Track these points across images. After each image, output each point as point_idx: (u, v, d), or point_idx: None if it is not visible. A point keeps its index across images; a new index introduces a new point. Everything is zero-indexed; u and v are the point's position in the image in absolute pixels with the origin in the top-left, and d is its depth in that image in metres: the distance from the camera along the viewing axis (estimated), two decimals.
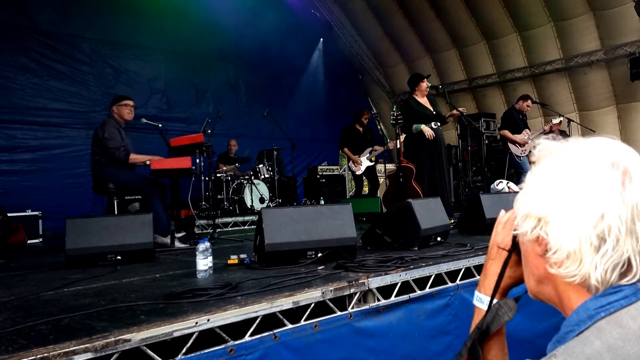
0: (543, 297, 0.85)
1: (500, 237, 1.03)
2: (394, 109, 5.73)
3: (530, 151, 7.45)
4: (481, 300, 1.05)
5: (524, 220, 0.80)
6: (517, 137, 7.37)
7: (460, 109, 6.05)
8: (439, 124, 5.93)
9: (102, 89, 8.28)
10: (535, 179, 0.80)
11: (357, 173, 7.70)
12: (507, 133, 7.43)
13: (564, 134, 8.19)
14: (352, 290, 2.34)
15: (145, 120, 5.11)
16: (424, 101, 5.99)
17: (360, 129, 7.88)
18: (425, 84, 5.97)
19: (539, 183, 0.79)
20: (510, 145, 7.41)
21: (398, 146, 5.64)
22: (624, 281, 0.73)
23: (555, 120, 7.75)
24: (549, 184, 0.77)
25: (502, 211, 1.07)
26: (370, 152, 7.63)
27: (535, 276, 0.84)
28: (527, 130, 7.54)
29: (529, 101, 7.63)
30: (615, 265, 0.72)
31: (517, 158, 7.39)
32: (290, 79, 10.67)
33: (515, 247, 0.96)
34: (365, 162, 7.62)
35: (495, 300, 1.01)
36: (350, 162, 7.77)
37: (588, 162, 0.75)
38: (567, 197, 0.74)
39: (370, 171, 7.77)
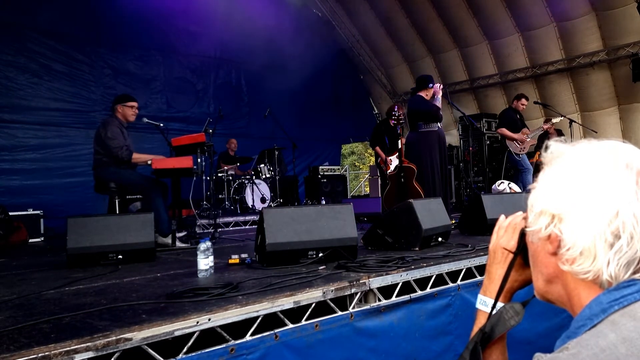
0: (551, 296, 0.85)
1: (504, 239, 1.03)
2: (395, 109, 5.73)
3: (528, 149, 7.49)
4: (485, 304, 1.05)
5: (537, 217, 0.81)
6: (516, 135, 7.39)
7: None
8: (441, 125, 5.98)
9: (101, 89, 8.30)
10: (550, 178, 0.81)
11: (388, 172, 7.48)
12: (505, 131, 7.44)
13: (560, 134, 8.21)
14: (353, 290, 2.35)
15: (146, 120, 5.10)
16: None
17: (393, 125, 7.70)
18: (431, 91, 6.01)
19: (554, 181, 0.80)
20: (508, 142, 7.43)
21: (400, 146, 5.63)
22: (638, 276, 0.73)
23: (555, 120, 7.75)
24: (564, 182, 0.78)
25: (502, 216, 1.07)
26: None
27: (545, 275, 0.84)
28: (525, 129, 7.56)
29: (524, 99, 7.65)
30: (629, 261, 0.73)
31: (516, 156, 7.41)
32: (292, 79, 10.67)
33: (521, 249, 0.96)
34: (395, 161, 7.37)
35: (501, 304, 1.01)
36: (380, 160, 7.49)
37: (603, 161, 0.76)
38: (582, 195, 0.75)
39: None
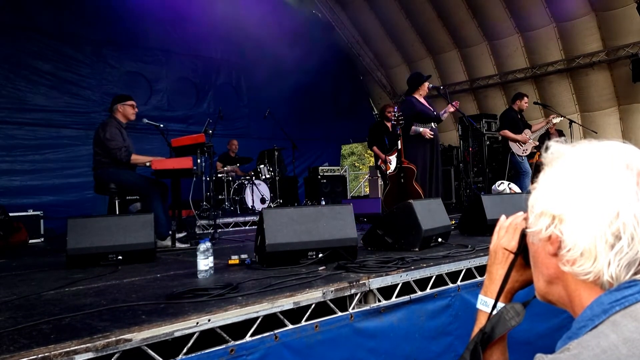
0: (552, 297, 0.85)
1: (505, 240, 1.03)
2: (395, 110, 5.72)
3: (530, 151, 7.46)
4: (486, 304, 1.05)
5: (538, 218, 0.81)
6: (519, 136, 7.36)
7: (454, 103, 5.94)
8: (436, 124, 5.96)
9: (102, 90, 8.30)
10: (550, 179, 0.81)
11: (388, 172, 7.44)
12: (508, 133, 7.41)
13: (561, 134, 8.19)
14: (353, 291, 2.34)
15: (146, 120, 5.10)
16: (424, 101, 6.00)
17: (389, 125, 7.69)
18: (427, 85, 5.96)
19: (554, 182, 0.80)
20: (511, 144, 7.39)
21: (399, 147, 5.62)
22: (639, 277, 0.73)
23: (555, 120, 7.73)
24: (564, 183, 0.78)
25: (503, 216, 1.07)
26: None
27: (545, 276, 0.84)
28: (527, 129, 7.53)
29: (526, 98, 7.60)
30: (630, 262, 0.73)
31: (519, 157, 7.38)
32: (292, 80, 10.67)
33: (522, 249, 0.96)
34: (394, 161, 7.31)
35: (502, 304, 1.01)
36: (380, 161, 7.45)
37: (603, 162, 0.76)
38: (582, 196, 0.75)
39: None
